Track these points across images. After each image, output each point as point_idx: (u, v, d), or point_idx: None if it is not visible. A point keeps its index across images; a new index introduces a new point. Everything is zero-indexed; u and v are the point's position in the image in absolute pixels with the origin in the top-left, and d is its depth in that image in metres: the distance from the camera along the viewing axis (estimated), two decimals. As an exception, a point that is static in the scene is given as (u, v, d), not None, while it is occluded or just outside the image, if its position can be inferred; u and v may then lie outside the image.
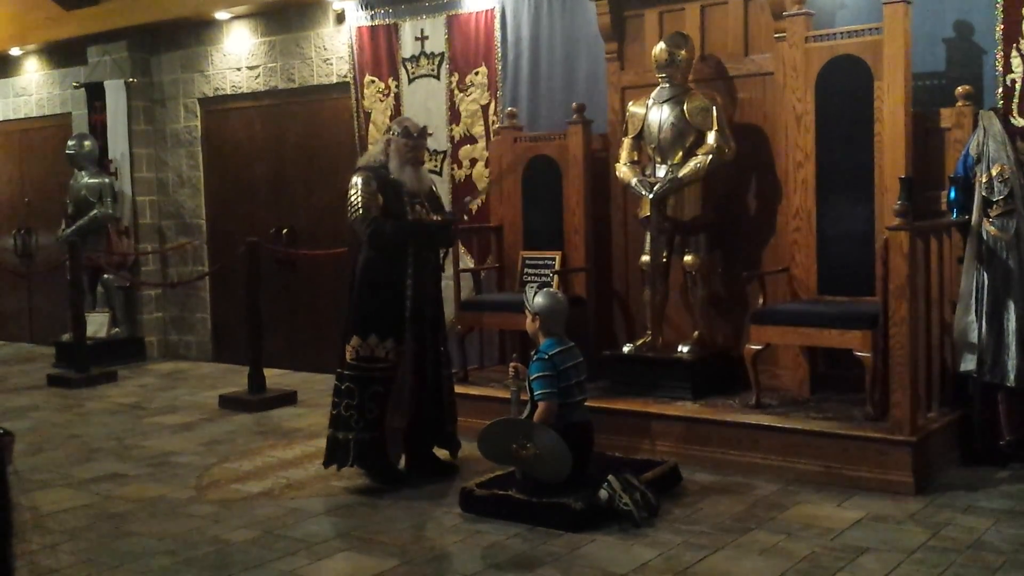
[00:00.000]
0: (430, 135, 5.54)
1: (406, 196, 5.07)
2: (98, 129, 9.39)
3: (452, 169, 7.39)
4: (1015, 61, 5.21)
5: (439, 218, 5.20)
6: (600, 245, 6.47)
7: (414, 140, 5.14)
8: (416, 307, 5.06)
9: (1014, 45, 5.20)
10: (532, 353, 4.78)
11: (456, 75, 7.34)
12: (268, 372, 7.42)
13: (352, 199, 5.02)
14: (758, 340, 5.32)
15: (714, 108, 5.65)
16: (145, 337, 9.46)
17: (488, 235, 6.90)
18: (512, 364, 4.88)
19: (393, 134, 5.15)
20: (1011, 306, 4.95)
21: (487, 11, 7.15)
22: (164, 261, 9.50)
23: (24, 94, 10.61)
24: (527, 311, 4.77)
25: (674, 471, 4.89)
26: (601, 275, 6.49)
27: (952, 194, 5.14)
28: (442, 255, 5.32)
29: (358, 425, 4.98)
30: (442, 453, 5.32)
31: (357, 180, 5.05)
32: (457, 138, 7.37)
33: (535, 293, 4.78)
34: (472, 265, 7.01)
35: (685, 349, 5.74)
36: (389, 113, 7.62)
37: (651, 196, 5.71)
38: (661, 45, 5.76)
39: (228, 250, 8.51)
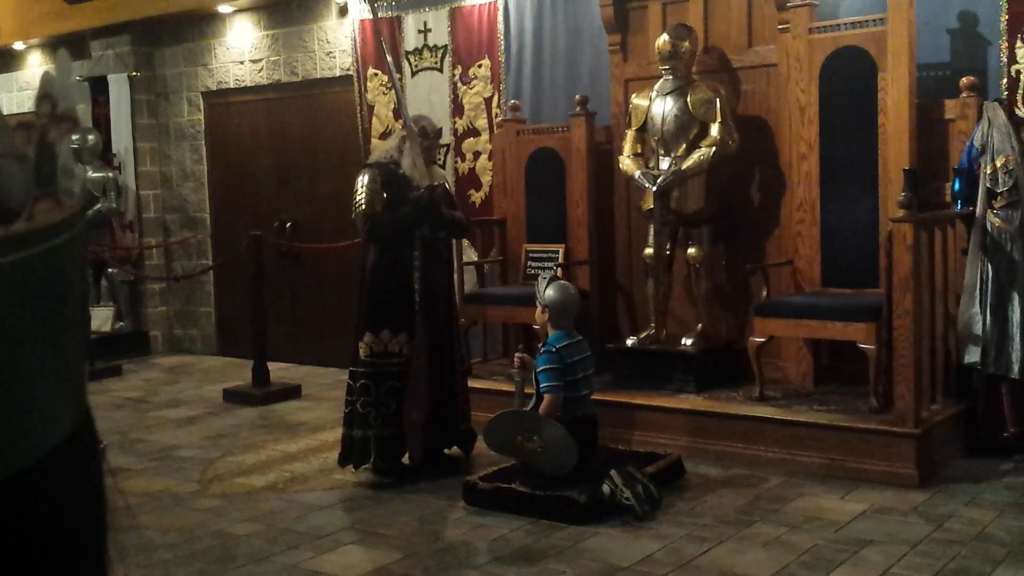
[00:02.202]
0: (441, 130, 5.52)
1: (415, 193, 5.03)
2: (101, 123, 9.39)
3: (455, 162, 7.39)
4: (1020, 52, 5.18)
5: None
6: (603, 238, 6.46)
7: (430, 140, 5.14)
8: (427, 300, 5.04)
9: (1019, 35, 5.18)
10: (540, 346, 4.78)
11: (459, 68, 7.33)
12: (272, 366, 7.42)
13: (356, 196, 5.02)
14: (762, 333, 5.32)
15: (717, 100, 5.64)
16: (149, 331, 9.47)
17: (491, 228, 6.90)
18: (517, 355, 4.87)
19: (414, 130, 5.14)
20: (1015, 298, 4.94)
21: (490, 3, 7.13)
22: (168, 255, 9.50)
23: (28, 88, 10.60)
24: (537, 302, 4.76)
25: (678, 464, 4.89)
26: (604, 268, 6.48)
27: (956, 185, 5.13)
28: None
29: (376, 422, 4.96)
30: (454, 451, 5.28)
31: (364, 178, 5.04)
32: (460, 131, 7.36)
33: (547, 285, 4.75)
34: (475, 258, 7.01)
35: (689, 342, 5.73)
36: (392, 106, 7.61)
37: (654, 189, 5.70)
38: (664, 37, 5.74)
39: (232, 244, 8.51)
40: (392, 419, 4.97)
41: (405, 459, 5.10)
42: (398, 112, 7.33)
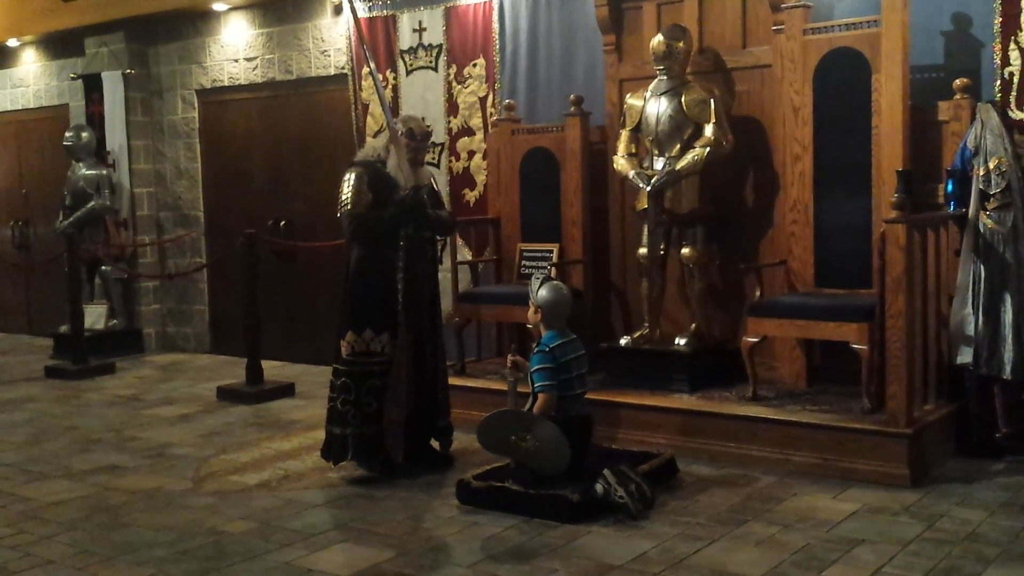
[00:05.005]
0: (430, 131, 5.50)
1: (400, 192, 5.03)
2: (96, 120, 9.37)
3: (450, 161, 7.39)
4: (1013, 54, 5.21)
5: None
6: (598, 237, 6.47)
7: (416, 142, 5.13)
8: (410, 299, 5.05)
9: (1012, 38, 5.20)
10: (533, 345, 4.79)
11: (454, 67, 7.34)
12: (266, 364, 7.43)
13: (342, 195, 5.02)
14: (755, 332, 5.33)
15: (712, 100, 5.65)
16: (143, 329, 9.46)
17: (486, 227, 6.90)
18: (510, 357, 4.87)
19: (398, 131, 5.14)
20: (1007, 299, 4.96)
21: (485, 3, 7.14)
22: (162, 253, 9.49)
23: (21, 85, 10.59)
24: (531, 302, 4.77)
25: (671, 463, 4.90)
26: (599, 267, 6.49)
27: (949, 187, 5.15)
28: (440, 247, 5.30)
29: (356, 420, 4.99)
30: (435, 444, 5.33)
31: (350, 176, 5.05)
32: (455, 130, 7.36)
33: (540, 285, 4.76)
34: (470, 257, 7.01)
35: (682, 341, 5.74)
36: (387, 103, 7.60)
37: (649, 188, 5.72)
38: (659, 37, 5.76)
39: (226, 242, 8.50)
40: (372, 418, 5.00)
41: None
42: (392, 111, 7.34)
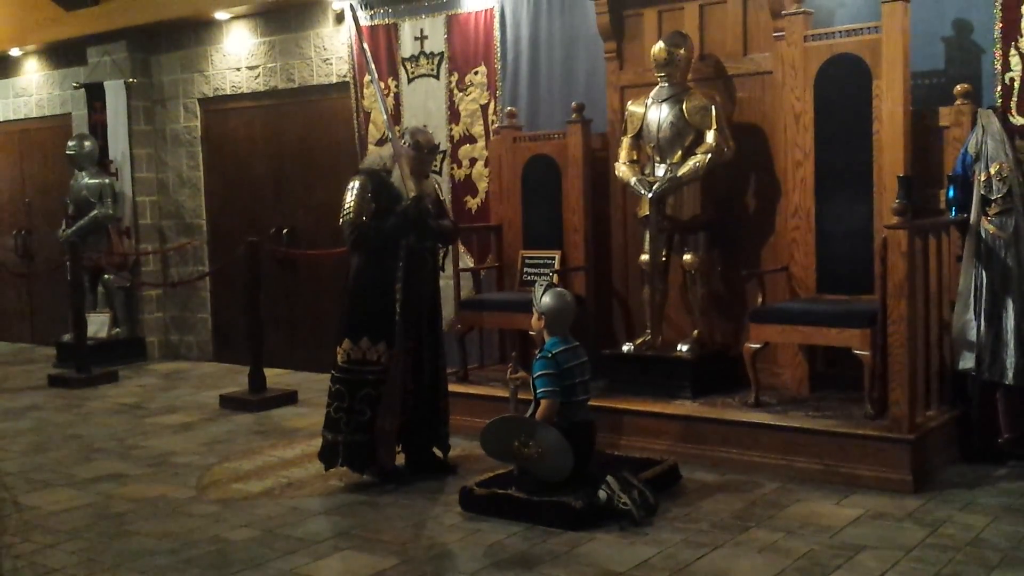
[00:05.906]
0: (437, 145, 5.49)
1: (402, 204, 5.03)
2: (98, 129, 9.40)
3: (452, 169, 7.40)
4: (1014, 59, 5.22)
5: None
6: (599, 244, 6.48)
7: (423, 155, 5.15)
8: (408, 309, 5.05)
9: (1012, 43, 5.21)
10: (536, 352, 4.79)
11: (455, 75, 7.35)
12: (268, 372, 7.43)
13: (345, 203, 5.03)
14: (757, 339, 5.33)
15: (713, 107, 5.66)
16: (146, 337, 9.47)
17: (488, 234, 6.91)
18: (511, 372, 4.86)
19: (404, 143, 5.15)
20: (1009, 304, 4.96)
21: (486, 11, 7.15)
22: (165, 261, 9.51)
23: (24, 95, 10.62)
24: (534, 309, 4.78)
25: (673, 469, 4.90)
26: (600, 274, 6.50)
27: (951, 192, 5.15)
28: (441, 255, 5.30)
29: (347, 428, 5.00)
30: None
31: (355, 184, 5.07)
32: (456, 138, 7.38)
33: (544, 292, 4.77)
34: (472, 264, 7.02)
35: (684, 348, 5.75)
36: (389, 113, 7.61)
37: (650, 195, 5.73)
38: (660, 44, 5.77)
39: (228, 250, 8.51)
40: (364, 426, 5.01)
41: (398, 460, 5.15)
42: (393, 119, 7.36)
